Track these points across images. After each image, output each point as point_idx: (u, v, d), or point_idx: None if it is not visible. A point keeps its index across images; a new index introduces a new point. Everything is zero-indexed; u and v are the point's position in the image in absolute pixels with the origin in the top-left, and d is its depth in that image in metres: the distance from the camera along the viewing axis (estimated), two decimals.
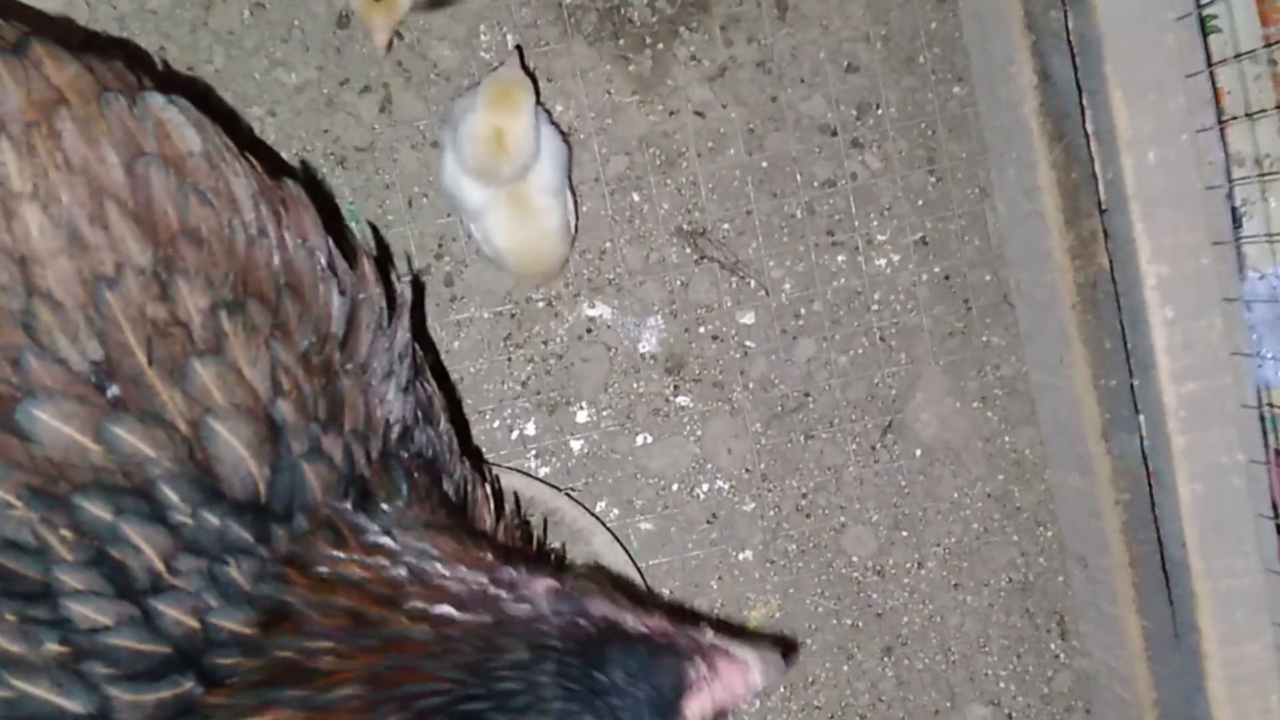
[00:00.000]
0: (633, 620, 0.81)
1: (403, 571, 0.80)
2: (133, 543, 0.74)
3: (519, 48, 1.27)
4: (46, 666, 0.74)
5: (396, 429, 0.91)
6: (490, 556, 0.84)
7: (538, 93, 1.23)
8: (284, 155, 1.30)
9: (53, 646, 0.74)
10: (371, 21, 1.15)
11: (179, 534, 0.76)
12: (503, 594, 0.81)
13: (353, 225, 1.31)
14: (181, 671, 0.75)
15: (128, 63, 0.89)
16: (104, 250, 0.77)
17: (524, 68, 1.22)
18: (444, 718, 0.76)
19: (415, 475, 0.89)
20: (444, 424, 1.01)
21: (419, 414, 0.96)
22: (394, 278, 0.99)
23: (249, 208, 0.85)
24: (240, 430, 0.78)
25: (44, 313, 0.74)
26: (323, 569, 0.79)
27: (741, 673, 0.80)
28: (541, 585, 0.82)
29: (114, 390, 0.75)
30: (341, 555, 0.80)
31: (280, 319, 0.83)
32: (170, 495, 0.75)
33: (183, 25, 1.28)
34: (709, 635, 0.81)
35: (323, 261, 0.89)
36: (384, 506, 0.85)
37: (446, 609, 0.79)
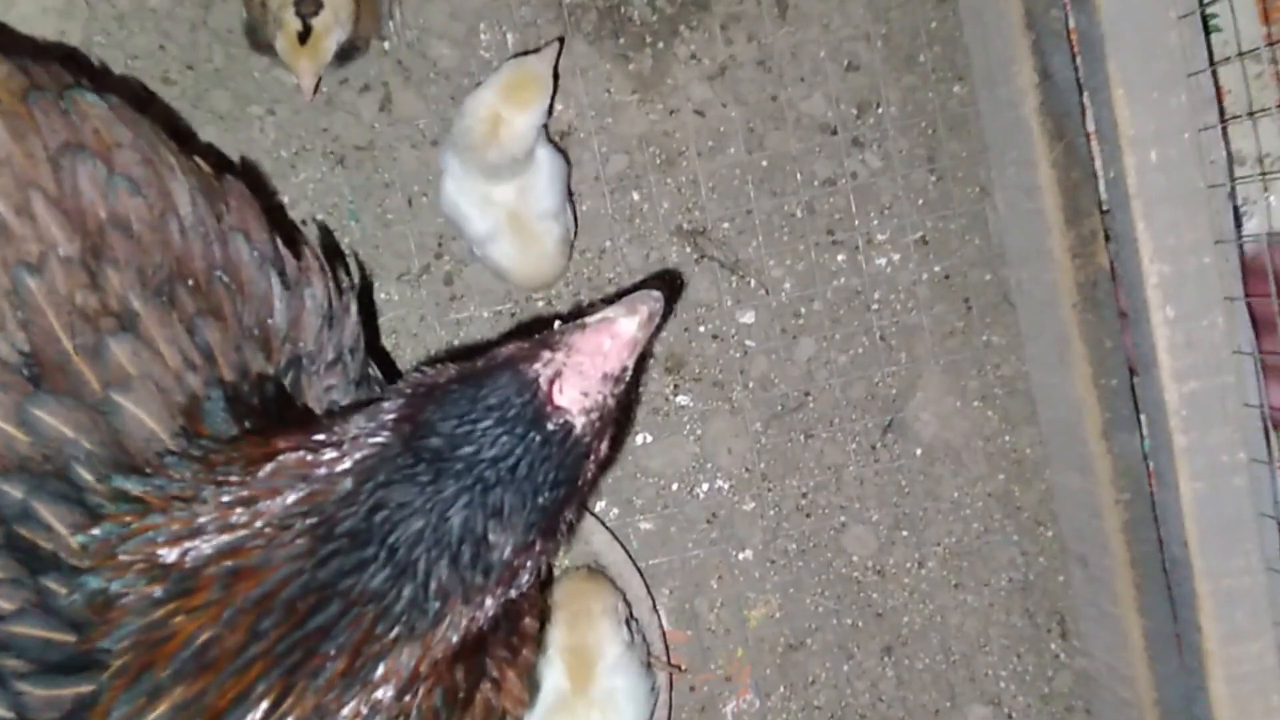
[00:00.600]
0: (453, 370, 0.78)
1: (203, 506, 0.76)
2: (44, 522, 0.74)
3: (561, 39, 1.26)
4: None
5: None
6: (308, 435, 0.78)
7: (554, 93, 1.22)
8: (283, 153, 1.30)
9: None
10: (298, 67, 1.15)
11: (92, 511, 0.75)
12: (319, 468, 0.75)
13: (352, 224, 1.31)
14: (89, 668, 0.73)
15: (67, 65, 0.90)
16: (30, 240, 0.78)
17: (556, 66, 1.21)
18: (312, 593, 0.72)
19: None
20: None
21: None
22: (341, 274, 0.99)
23: (185, 201, 0.86)
24: (148, 403, 0.77)
25: None
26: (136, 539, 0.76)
27: (606, 330, 0.77)
28: (354, 423, 0.77)
29: (39, 377, 0.76)
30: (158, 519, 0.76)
31: (212, 302, 0.84)
32: (85, 475, 0.75)
33: (182, 24, 1.28)
34: (560, 326, 0.78)
35: (265, 253, 0.89)
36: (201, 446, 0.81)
37: (243, 513, 0.74)
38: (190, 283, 0.83)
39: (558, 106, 1.33)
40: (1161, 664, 1.22)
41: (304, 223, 1.30)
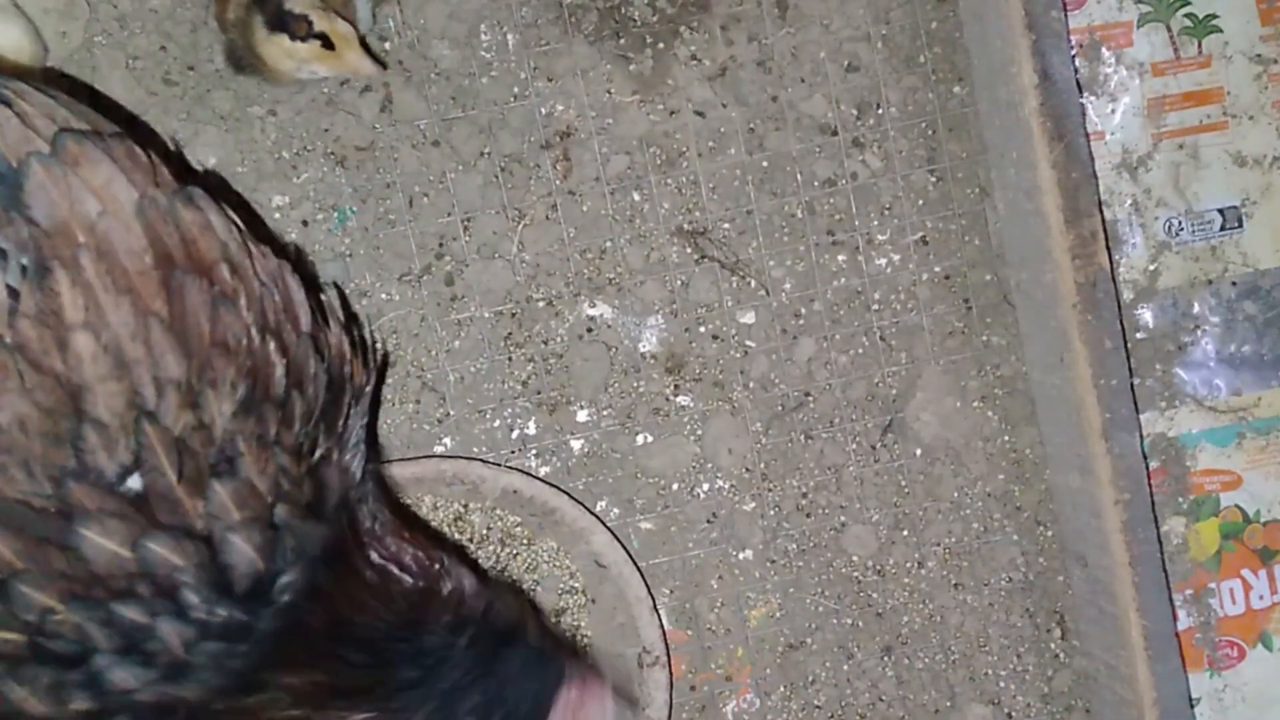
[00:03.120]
0: (535, 629, 0.96)
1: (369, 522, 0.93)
2: (162, 637, 0.80)
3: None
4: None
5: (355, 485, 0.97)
6: (425, 542, 0.94)
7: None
8: (285, 154, 1.30)
9: (81, 705, 0.78)
10: (348, 68, 1.17)
11: (198, 627, 0.81)
12: (437, 567, 0.95)
13: (350, 223, 1.31)
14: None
15: (141, 145, 0.89)
16: (144, 366, 0.79)
17: None
18: (370, 650, 0.88)
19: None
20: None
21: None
22: (363, 335, 1.02)
23: (261, 309, 0.87)
24: (253, 538, 0.83)
25: (90, 435, 0.77)
26: None
27: (597, 707, 0.93)
28: (466, 575, 0.96)
29: (145, 503, 0.79)
30: None
31: (286, 416, 0.87)
32: (192, 598, 0.81)
33: (183, 25, 1.28)
34: (589, 660, 0.96)
35: (313, 346, 0.91)
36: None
37: (392, 567, 0.93)
38: (270, 399, 0.85)
39: (558, 107, 1.33)
40: (1161, 664, 1.22)
41: (305, 223, 1.30)
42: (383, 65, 1.20)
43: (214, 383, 0.81)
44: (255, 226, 1.20)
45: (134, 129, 1.15)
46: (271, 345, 0.87)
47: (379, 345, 1.06)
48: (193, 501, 0.80)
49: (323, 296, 0.99)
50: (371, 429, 1.12)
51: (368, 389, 0.99)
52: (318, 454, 0.91)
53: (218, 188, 1.29)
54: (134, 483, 0.78)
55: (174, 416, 0.79)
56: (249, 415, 0.83)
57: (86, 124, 0.86)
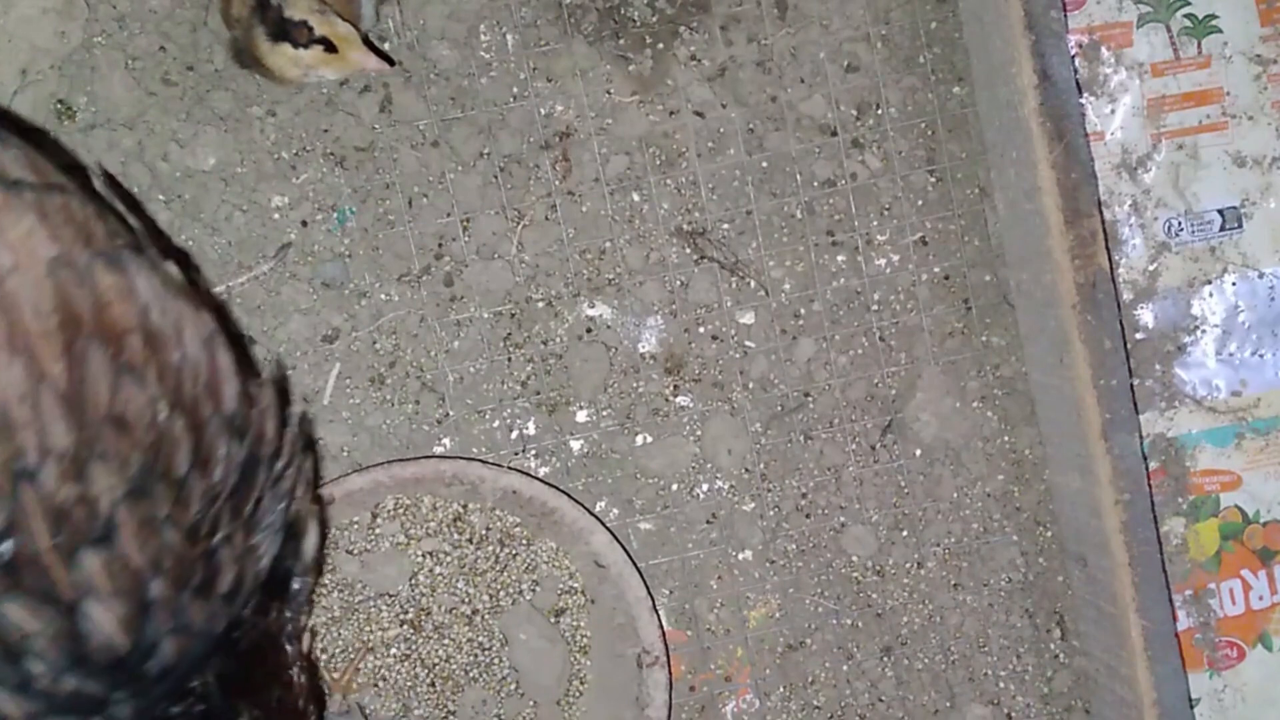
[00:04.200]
0: None
1: None
2: None
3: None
4: None
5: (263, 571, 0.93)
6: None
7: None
8: (284, 154, 1.30)
9: None
10: (354, 66, 1.16)
11: (42, 699, 0.79)
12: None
13: (350, 224, 1.31)
14: None
15: (87, 196, 0.86)
16: (30, 431, 0.76)
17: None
18: None
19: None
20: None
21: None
22: (292, 408, 0.98)
23: (176, 384, 0.83)
24: (116, 610, 0.80)
25: None
26: None
27: None
28: None
29: (15, 568, 0.77)
30: None
31: (183, 496, 0.83)
32: (38, 666, 0.78)
33: (183, 25, 1.28)
34: None
35: (233, 421, 0.88)
36: None
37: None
38: (166, 480, 0.82)
39: (557, 107, 1.33)
40: (1161, 664, 1.22)
41: (304, 223, 1.30)
42: (389, 60, 1.20)
43: (104, 455, 0.78)
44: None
45: (109, 180, 1.10)
46: (180, 422, 0.83)
47: (298, 425, 1.00)
48: (62, 570, 0.78)
49: (258, 381, 0.95)
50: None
51: (288, 473, 0.94)
52: (218, 536, 0.87)
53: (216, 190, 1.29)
54: (5, 547, 0.76)
55: (55, 485, 0.76)
56: (140, 492, 0.80)
57: (29, 172, 0.83)
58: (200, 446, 0.85)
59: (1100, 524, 1.26)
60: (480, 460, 1.29)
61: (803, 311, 1.36)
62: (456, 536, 1.28)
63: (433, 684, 1.28)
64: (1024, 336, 1.37)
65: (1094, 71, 1.38)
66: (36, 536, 0.76)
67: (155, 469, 0.82)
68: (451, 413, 1.33)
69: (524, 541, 1.29)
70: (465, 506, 1.28)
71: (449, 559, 1.28)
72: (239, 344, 1.00)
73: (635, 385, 1.35)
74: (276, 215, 1.30)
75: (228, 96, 1.29)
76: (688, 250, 1.35)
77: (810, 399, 1.37)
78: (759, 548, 1.37)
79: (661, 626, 1.28)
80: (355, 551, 1.27)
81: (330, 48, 1.15)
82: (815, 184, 1.36)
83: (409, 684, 1.27)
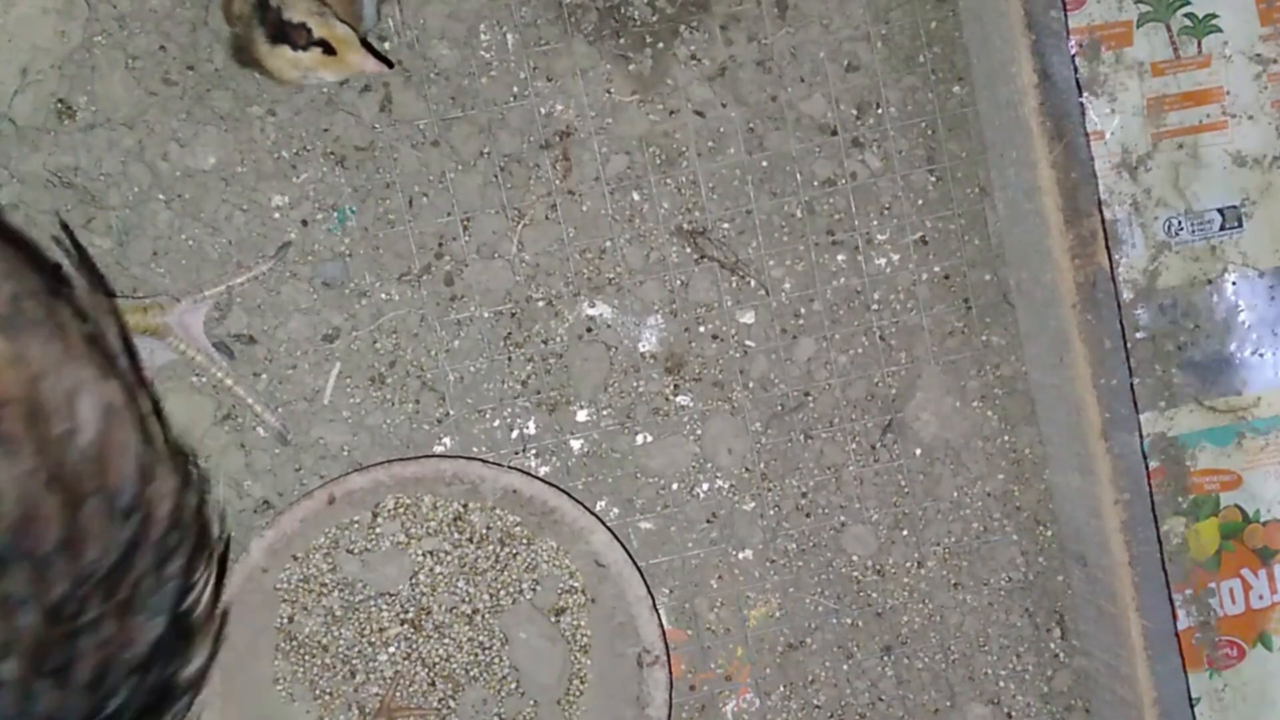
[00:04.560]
0: None
1: None
2: None
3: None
4: None
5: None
6: None
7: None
8: (284, 154, 1.30)
9: None
10: (354, 68, 1.16)
11: None
12: None
13: (350, 223, 1.31)
14: None
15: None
16: None
17: None
18: None
19: None
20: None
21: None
22: (200, 489, 0.95)
23: (59, 459, 0.81)
24: None
25: None
26: None
27: None
28: None
29: None
30: None
31: (45, 578, 0.80)
32: None
33: (183, 25, 1.28)
34: None
35: (116, 499, 0.84)
36: None
37: None
38: (31, 560, 0.79)
39: (557, 106, 1.33)
40: (1161, 664, 1.22)
41: (305, 223, 1.30)
42: (388, 62, 1.20)
43: None
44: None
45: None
46: (54, 499, 0.80)
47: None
48: None
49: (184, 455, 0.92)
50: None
51: (178, 552, 0.90)
52: (85, 618, 0.82)
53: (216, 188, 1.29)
54: None
55: None
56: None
57: None
58: (74, 524, 0.81)
59: (1100, 523, 1.26)
60: (480, 459, 1.29)
61: (803, 311, 1.36)
62: (457, 536, 1.28)
63: (433, 683, 1.28)
64: (1024, 336, 1.37)
65: (1094, 71, 1.38)
66: None
67: (24, 545, 0.78)
68: (452, 412, 1.33)
69: (524, 541, 1.29)
70: (466, 506, 1.28)
71: (449, 558, 1.28)
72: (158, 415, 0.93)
73: (635, 385, 1.35)
74: (276, 215, 1.30)
75: (228, 96, 1.29)
76: (688, 249, 1.35)
77: (810, 398, 1.37)
78: (759, 547, 1.37)
79: (662, 626, 1.28)
80: (355, 551, 1.27)
81: (329, 50, 1.15)
82: (815, 183, 1.36)
83: (409, 683, 1.28)
